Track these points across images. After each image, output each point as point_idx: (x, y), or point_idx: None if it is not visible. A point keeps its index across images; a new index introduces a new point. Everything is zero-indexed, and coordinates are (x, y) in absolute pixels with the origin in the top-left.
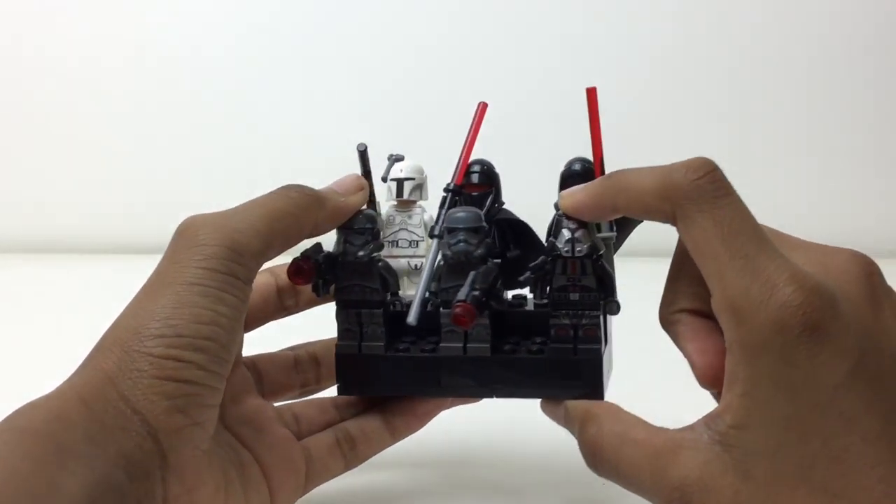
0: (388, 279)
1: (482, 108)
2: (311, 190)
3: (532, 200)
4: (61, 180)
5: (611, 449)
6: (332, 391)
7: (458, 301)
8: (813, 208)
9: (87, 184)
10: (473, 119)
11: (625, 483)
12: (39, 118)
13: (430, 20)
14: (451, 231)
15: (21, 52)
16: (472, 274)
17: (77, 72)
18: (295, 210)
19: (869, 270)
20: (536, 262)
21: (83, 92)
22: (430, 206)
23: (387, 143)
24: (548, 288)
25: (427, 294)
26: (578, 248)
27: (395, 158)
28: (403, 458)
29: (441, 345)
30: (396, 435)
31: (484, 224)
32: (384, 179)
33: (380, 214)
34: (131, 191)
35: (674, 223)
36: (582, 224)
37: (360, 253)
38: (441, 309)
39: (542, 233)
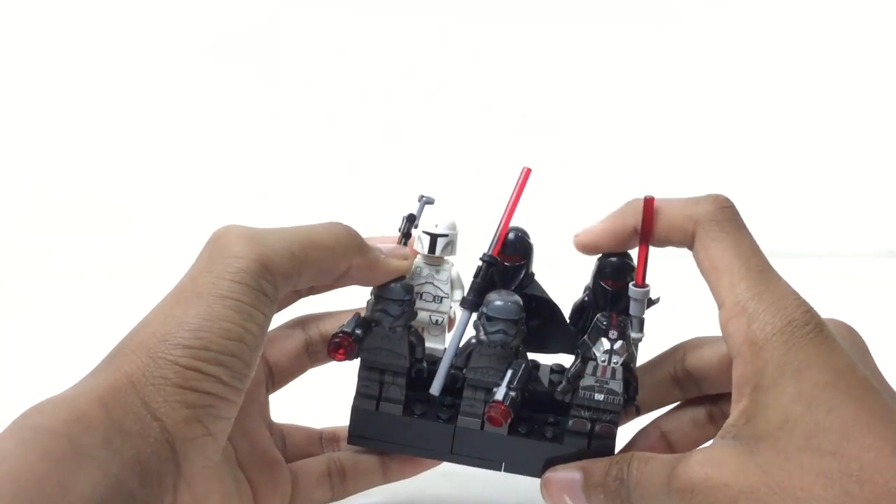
0: (416, 346)
1: (526, 173)
2: (357, 233)
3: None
4: (65, 172)
5: (638, 463)
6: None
7: (496, 401)
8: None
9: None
10: (516, 185)
11: (644, 501)
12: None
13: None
14: (491, 319)
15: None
16: (509, 372)
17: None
18: (335, 245)
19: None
20: (572, 371)
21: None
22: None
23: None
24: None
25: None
26: (615, 361)
27: (426, 200)
28: None
29: (460, 417)
30: (389, 477)
31: (523, 315)
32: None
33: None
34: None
35: (689, 244)
36: (622, 335)
37: (396, 324)
38: (466, 386)
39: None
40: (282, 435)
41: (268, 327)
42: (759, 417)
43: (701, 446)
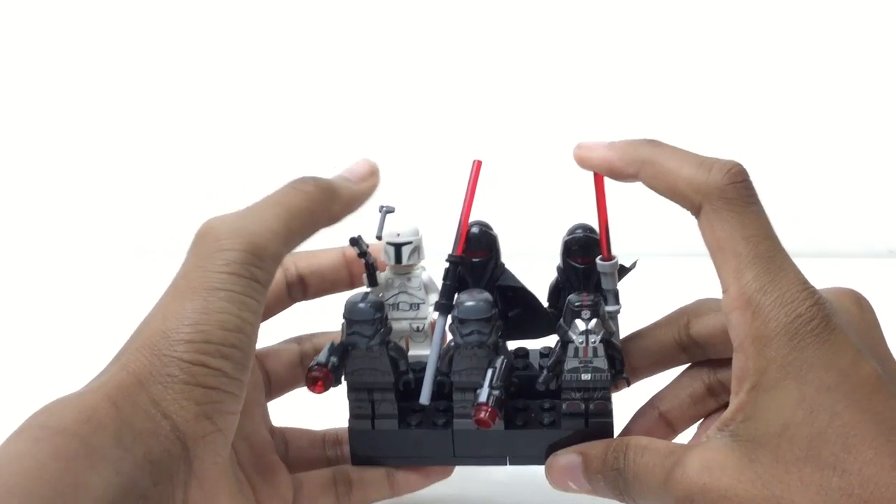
0: (398, 360)
1: (477, 166)
2: (325, 182)
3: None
4: (65, 173)
5: (634, 454)
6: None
7: (480, 404)
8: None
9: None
10: (469, 180)
11: (642, 494)
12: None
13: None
14: (463, 322)
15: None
16: (489, 372)
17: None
18: (310, 205)
19: (858, 296)
20: (553, 359)
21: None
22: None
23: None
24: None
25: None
26: (592, 340)
27: (387, 210)
28: None
29: (455, 420)
30: (396, 490)
31: (495, 311)
32: (378, 237)
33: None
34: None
35: (694, 213)
36: (595, 313)
37: (372, 343)
38: (454, 390)
39: (539, 289)
40: (284, 439)
41: (261, 315)
42: (758, 419)
43: (697, 443)
